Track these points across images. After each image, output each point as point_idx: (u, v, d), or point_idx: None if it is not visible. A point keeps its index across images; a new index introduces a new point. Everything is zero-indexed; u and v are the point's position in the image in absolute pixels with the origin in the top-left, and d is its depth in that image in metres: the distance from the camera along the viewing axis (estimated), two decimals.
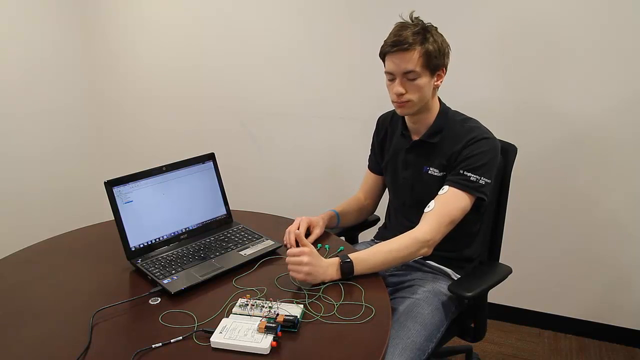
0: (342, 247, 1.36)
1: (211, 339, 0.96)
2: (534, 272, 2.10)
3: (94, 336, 1.00)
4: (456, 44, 1.92)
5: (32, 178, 2.42)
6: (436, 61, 1.28)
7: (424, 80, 1.29)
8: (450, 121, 1.35)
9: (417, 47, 1.26)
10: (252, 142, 2.43)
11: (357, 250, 1.27)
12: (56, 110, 2.50)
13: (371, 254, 1.23)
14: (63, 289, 1.19)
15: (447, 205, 1.27)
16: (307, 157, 2.35)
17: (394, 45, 1.27)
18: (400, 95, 1.29)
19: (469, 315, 1.42)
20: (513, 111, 1.94)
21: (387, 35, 1.30)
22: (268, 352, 0.94)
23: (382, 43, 1.30)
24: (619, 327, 2.04)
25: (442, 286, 1.35)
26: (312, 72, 2.21)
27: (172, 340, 0.98)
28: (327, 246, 1.36)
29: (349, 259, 1.19)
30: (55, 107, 2.49)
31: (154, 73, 2.51)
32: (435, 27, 1.32)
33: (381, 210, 1.64)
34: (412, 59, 1.26)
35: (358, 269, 1.19)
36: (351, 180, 2.26)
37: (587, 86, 1.82)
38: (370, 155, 1.61)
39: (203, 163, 1.44)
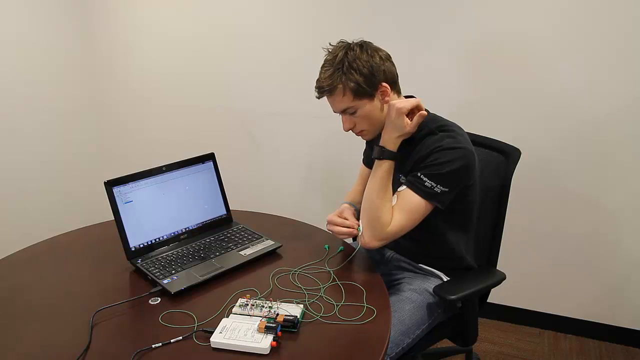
0: (341, 247, 1.36)
1: (211, 339, 0.96)
2: (534, 273, 2.10)
3: (94, 336, 1.00)
4: (457, 44, 1.94)
5: (33, 178, 2.42)
6: (367, 87, 1.23)
7: (365, 109, 1.26)
8: (424, 129, 1.29)
9: (339, 85, 1.23)
10: (252, 142, 2.43)
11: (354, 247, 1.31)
12: (57, 110, 2.49)
13: (385, 180, 1.25)
14: (63, 289, 1.19)
15: (406, 204, 1.25)
16: (307, 157, 2.35)
17: (318, 93, 1.28)
18: (351, 129, 1.30)
19: (459, 319, 1.41)
20: (513, 113, 1.94)
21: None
22: (268, 352, 0.94)
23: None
24: (619, 327, 2.04)
25: (430, 286, 1.34)
26: (312, 72, 2.20)
27: (172, 340, 0.98)
28: (326, 246, 1.36)
29: (389, 157, 1.25)
30: (56, 107, 2.49)
31: (154, 73, 2.51)
32: (360, 45, 1.25)
33: None
34: (341, 100, 1.25)
35: (380, 162, 1.26)
36: (351, 180, 2.26)
37: (587, 87, 1.83)
38: (365, 149, 1.59)
39: (203, 163, 1.44)
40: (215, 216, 1.46)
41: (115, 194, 1.25)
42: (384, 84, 1.25)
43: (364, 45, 1.26)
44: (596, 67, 1.80)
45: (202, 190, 1.44)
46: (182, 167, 1.39)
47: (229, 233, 1.42)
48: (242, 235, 1.40)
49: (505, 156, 1.44)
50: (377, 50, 1.27)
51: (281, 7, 2.18)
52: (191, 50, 2.40)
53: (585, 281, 2.04)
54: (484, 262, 1.49)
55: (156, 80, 2.52)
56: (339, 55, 1.24)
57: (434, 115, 1.35)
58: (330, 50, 1.29)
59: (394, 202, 1.26)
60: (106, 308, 1.08)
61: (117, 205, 1.25)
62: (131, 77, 2.57)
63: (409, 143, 1.30)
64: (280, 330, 0.98)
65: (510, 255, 1.65)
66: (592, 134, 1.87)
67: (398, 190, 1.27)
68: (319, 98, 1.30)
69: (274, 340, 0.95)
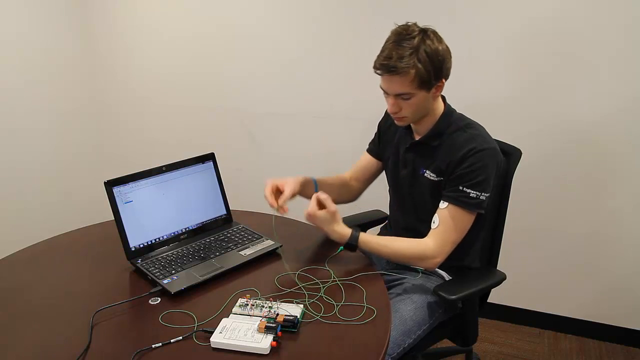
0: (341, 247, 1.36)
1: (211, 339, 0.96)
2: (534, 273, 2.10)
3: (94, 336, 1.00)
4: (462, 45, 1.93)
5: (33, 178, 2.42)
6: (432, 79, 1.21)
7: (418, 98, 1.23)
8: (452, 125, 1.31)
9: (409, 70, 1.17)
10: (252, 142, 2.43)
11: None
12: (57, 110, 2.49)
13: (377, 246, 1.28)
14: (63, 289, 1.19)
15: (452, 222, 1.25)
16: (307, 157, 2.34)
17: (383, 70, 1.20)
18: (395, 112, 1.28)
19: (459, 319, 1.41)
20: (513, 113, 1.94)
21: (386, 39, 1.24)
22: (268, 352, 0.94)
23: (382, 42, 1.28)
24: (619, 327, 2.04)
25: (432, 286, 1.34)
26: (312, 71, 2.21)
27: (172, 340, 0.98)
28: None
29: (355, 242, 1.27)
30: (56, 107, 2.49)
31: (154, 73, 2.51)
32: (434, 33, 1.22)
33: (386, 207, 1.64)
34: (404, 83, 1.20)
35: (360, 246, 1.28)
36: None
37: (588, 87, 1.82)
38: (373, 139, 1.57)
39: (203, 163, 1.44)
40: (215, 216, 1.46)
41: (115, 194, 1.25)
42: (443, 79, 1.24)
43: (436, 35, 1.23)
44: (596, 67, 1.80)
45: (202, 190, 1.44)
46: (182, 167, 1.39)
47: (229, 233, 1.42)
48: (242, 235, 1.40)
49: (505, 156, 1.44)
50: (444, 42, 1.24)
51: (281, 7, 2.18)
52: (191, 50, 2.40)
53: (585, 281, 2.04)
54: (485, 262, 1.49)
55: (156, 80, 2.52)
56: (416, 39, 1.18)
57: (460, 113, 1.36)
58: (402, 29, 1.21)
59: (436, 223, 1.27)
60: (106, 308, 1.08)
61: (117, 205, 1.25)
62: (131, 77, 2.57)
63: (435, 138, 1.32)
64: (280, 330, 0.98)
65: (510, 255, 1.64)
66: (592, 134, 1.87)
67: (440, 207, 1.27)
68: (380, 74, 1.22)
69: (274, 340, 0.95)
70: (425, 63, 1.18)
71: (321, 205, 1.27)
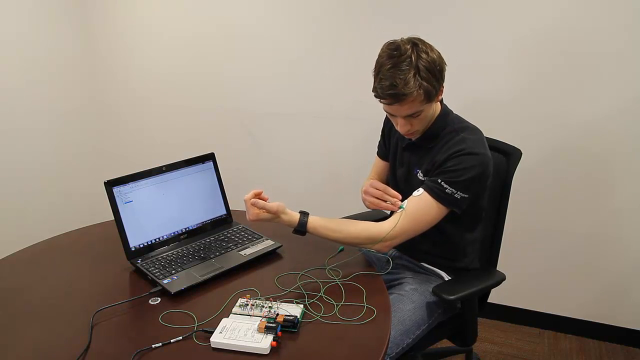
0: (341, 247, 1.36)
1: (211, 339, 0.96)
2: (534, 273, 2.10)
3: (94, 336, 1.00)
4: (463, 45, 1.94)
5: (33, 178, 2.42)
6: (435, 91, 1.19)
7: (426, 111, 1.23)
8: (448, 127, 1.30)
9: (417, 91, 1.15)
10: (252, 142, 2.43)
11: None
12: (57, 110, 2.49)
13: (327, 231, 1.25)
14: (63, 289, 1.19)
15: (418, 210, 1.24)
16: (308, 158, 2.35)
17: (392, 99, 1.17)
18: (407, 130, 1.26)
19: (458, 319, 1.41)
20: (513, 113, 1.94)
21: (380, 50, 1.21)
22: (268, 352, 0.94)
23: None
24: (618, 327, 2.04)
25: (431, 287, 1.34)
26: (313, 72, 2.21)
27: (172, 340, 0.98)
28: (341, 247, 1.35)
29: (303, 228, 1.24)
30: (56, 107, 2.49)
31: (154, 74, 2.51)
32: (422, 42, 1.19)
33: None
34: (413, 105, 1.18)
35: (310, 232, 1.25)
36: (351, 179, 2.26)
37: (587, 87, 1.82)
38: (380, 142, 1.57)
39: (203, 163, 1.44)
40: (215, 216, 1.46)
41: (115, 194, 1.25)
42: (443, 85, 1.23)
43: (425, 43, 1.19)
44: (596, 67, 1.80)
45: (202, 190, 1.44)
46: (182, 167, 1.39)
47: (229, 233, 1.42)
48: (242, 235, 1.40)
49: (505, 156, 1.44)
50: (434, 48, 1.21)
51: (281, 7, 2.17)
52: (191, 50, 2.40)
53: (585, 281, 2.04)
54: (484, 263, 1.49)
55: (156, 81, 2.52)
56: (412, 56, 1.15)
57: (457, 115, 1.35)
58: (393, 49, 1.18)
59: (404, 205, 1.26)
60: (106, 308, 1.08)
61: (117, 205, 1.25)
62: (131, 77, 2.57)
63: (431, 139, 1.31)
64: (280, 330, 0.98)
65: (510, 255, 1.65)
66: (592, 134, 1.87)
67: (414, 194, 1.26)
68: (387, 103, 1.20)
69: (274, 340, 0.95)
70: (429, 78, 1.16)
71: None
